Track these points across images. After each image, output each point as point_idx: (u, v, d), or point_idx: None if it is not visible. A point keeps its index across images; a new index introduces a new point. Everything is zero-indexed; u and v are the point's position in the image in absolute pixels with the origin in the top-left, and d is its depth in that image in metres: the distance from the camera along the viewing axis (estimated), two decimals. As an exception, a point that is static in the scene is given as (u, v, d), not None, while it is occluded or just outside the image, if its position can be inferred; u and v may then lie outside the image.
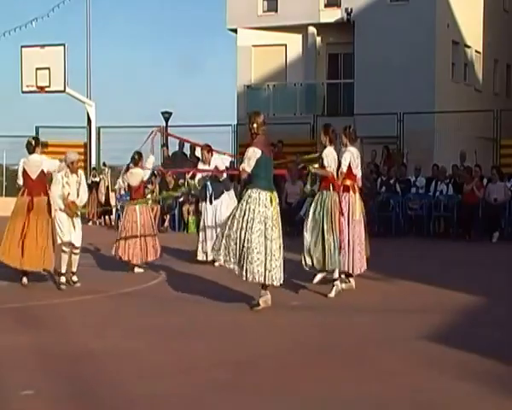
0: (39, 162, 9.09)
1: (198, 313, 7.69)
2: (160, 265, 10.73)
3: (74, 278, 9.23)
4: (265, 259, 7.27)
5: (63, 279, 9.07)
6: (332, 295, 8.29)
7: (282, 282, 7.49)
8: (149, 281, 9.76)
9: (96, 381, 5.31)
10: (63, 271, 9.08)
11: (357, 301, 8.49)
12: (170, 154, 19.38)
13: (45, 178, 9.23)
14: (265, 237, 7.25)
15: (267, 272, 7.28)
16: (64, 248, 9.12)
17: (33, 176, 9.04)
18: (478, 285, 9.38)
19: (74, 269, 9.24)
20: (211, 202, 10.93)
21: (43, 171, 9.08)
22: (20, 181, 9.17)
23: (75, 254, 9.22)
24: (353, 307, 8.14)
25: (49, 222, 9.10)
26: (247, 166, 7.34)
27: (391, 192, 16.21)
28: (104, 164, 20.20)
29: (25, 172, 9.08)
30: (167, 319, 7.49)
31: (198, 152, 19.12)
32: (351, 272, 8.85)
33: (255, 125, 7.36)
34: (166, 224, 17.31)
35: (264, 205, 7.28)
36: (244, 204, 7.33)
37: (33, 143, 9.24)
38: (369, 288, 9.23)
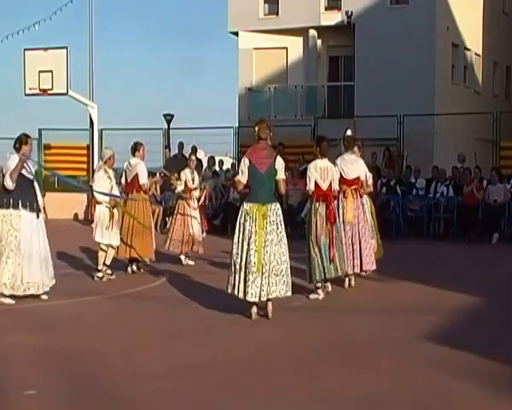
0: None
1: (198, 314, 7.75)
2: (161, 266, 10.83)
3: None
4: (240, 271, 7.20)
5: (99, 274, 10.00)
6: (312, 297, 8.43)
7: (258, 299, 7.21)
8: (150, 283, 9.83)
9: (97, 381, 5.37)
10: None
11: (358, 301, 8.57)
12: (171, 155, 19.48)
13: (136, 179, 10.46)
14: (241, 248, 7.22)
15: (241, 284, 7.20)
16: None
17: (128, 178, 10.53)
18: (478, 286, 9.44)
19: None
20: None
21: (137, 174, 10.44)
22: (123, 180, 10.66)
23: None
24: (354, 307, 8.21)
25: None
26: (242, 177, 7.38)
27: (391, 194, 16.29)
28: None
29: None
30: (168, 320, 7.57)
31: (199, 154, 19.36)
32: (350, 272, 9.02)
33: (256, 129, 7.40)
34: (168, 225, 17.35)
35: (243, 217, 7.27)
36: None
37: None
38: (369, 288, 9.31)
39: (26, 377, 5.48)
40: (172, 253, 11.35)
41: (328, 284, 8.63)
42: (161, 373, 5.55)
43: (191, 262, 11.39)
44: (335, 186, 8.59)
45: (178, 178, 11.54)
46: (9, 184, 8.06)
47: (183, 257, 11.36)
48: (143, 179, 10.48)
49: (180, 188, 11.35)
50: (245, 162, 7.37)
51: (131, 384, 5.30)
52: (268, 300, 7.30)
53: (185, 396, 5.07)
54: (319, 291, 8.43)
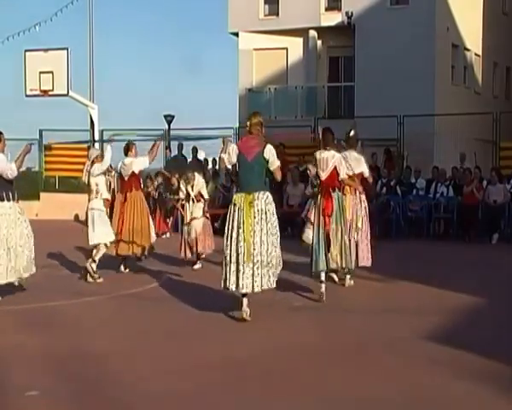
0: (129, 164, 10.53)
1: (198, 314, 7.75)
2: (160, 267, 10.84)
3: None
4: (230, 263, 7.14)
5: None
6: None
7: (251, 291, 7.13)
8: (150, 283, 9.84)
9: (98, 381, 5.39)
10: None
11: (358, 301, 8.59)
12: (171, 156, 19.49)
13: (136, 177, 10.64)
14: (230, 239, 7.17)
15: (232, 276, 7.13)
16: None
17: (125, 177, 10.64)
18: (478, 286, 9.46)
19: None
20: None
21: (133, 171, 10.50)
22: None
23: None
24: (354, 307, 8.22)
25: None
26: (226, 156, 7.39)
27: (391, 194, 16.32)
28: (110, 166, 20.18)
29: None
30: (168, 320, 7.58)
31: (200, 155, 19.37)
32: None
33: (248, 123, 7.46)
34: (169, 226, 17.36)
35: (232, 208, 7.26)
36: None
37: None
38: (369, 289, 9.32)
39: (27, 378, 5.50)
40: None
41: (322, 276, 8.44)
42: (161, 373, 5.56)
43: (196, 266, 11.05)
44: (341, 175, 8.54)
45: (178, 179, 11.41)
46: (15, 172, 8.35)
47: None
48: (145, 163, 10.65)
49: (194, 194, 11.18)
50: (233, 148, 7.39)
51: (132, 384, 5.32)
52: (243, 295, 7.18)
53: (185, 396, 5.08)
54: (322, 285, 8.37)
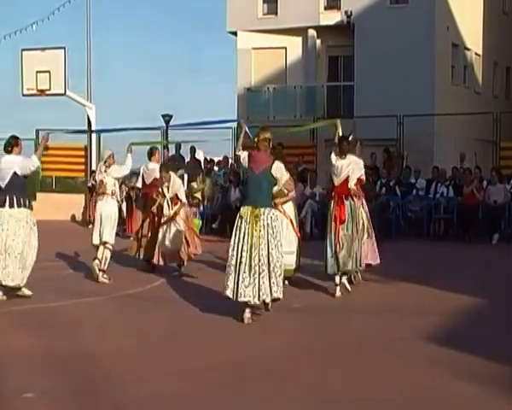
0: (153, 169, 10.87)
1: (198, 315, 7.76)
2: (160, 267, 10.83)
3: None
4: (234, 272, 7.25)
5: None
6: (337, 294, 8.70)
7: (254, 300, 7.19)
8: (150, 283, 9.85)
9: (98, 381, 5.39)
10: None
11: (358, 302, 8.58)
12: (169, 156, 19.45)
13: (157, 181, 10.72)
14: (236, 249, 7.28)
15: (233, 285, 7.23)
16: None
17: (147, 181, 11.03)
18: (478, 286, 9.47)
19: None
20: None
21: (156, 178, 10.76)
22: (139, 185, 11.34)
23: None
24: (354, 308, 8.23)
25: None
26: (242, 155, 7.58)
27: (391, 194, 16.29)
28: None
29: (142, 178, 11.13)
30: (167, 321, 7.58)
31: (199, 155, 19.35)
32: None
33: (255, 139, 7.60)
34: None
35: (239, 220, 7.36)
36: None
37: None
38: (370, 289, 9.32)
39: (25, 379, 5.48)
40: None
41: (337, 279, 8.75)
42: (161, 373, 5.55)
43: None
44: (350, 184, 8.78)
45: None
46: (36, 163, 8.61)
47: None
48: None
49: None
50: (245, 155, 7.57)
51: (132, 385, 5.31)
52: (246, 305, 7.28)
53: (185, 397, 5.07)
54: (336, 288, 8.71)
